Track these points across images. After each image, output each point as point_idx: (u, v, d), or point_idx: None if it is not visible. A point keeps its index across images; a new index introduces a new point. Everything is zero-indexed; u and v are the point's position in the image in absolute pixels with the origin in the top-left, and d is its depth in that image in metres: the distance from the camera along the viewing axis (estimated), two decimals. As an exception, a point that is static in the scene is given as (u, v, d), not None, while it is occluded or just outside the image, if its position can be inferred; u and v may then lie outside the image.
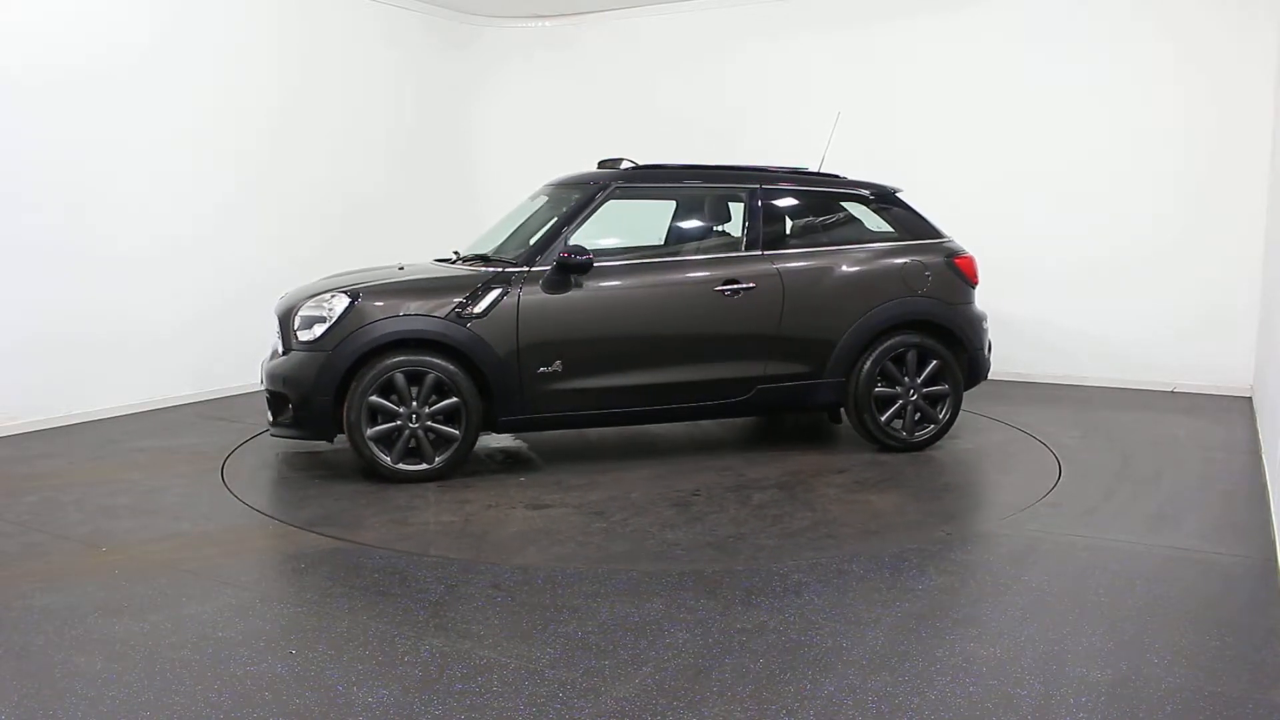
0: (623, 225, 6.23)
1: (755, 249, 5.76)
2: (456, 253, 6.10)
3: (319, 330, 5.24)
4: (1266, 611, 3.56)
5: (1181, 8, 7.67)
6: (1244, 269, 7.51)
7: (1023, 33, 8.21)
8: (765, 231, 5.80)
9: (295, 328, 5.34)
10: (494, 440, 6.37)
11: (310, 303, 5.36)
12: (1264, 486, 5.13)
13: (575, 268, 5.39)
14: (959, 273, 5.98)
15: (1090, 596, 3.71)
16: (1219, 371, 7.70)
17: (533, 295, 5.37)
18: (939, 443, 5.98)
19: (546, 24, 10.16)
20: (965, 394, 6.04)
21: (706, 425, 6.68)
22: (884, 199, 6.09)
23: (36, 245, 6.53)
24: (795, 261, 5.78)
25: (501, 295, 5.33)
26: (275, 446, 6.14)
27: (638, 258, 5.79)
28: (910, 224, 6.06)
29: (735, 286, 5.60)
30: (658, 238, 6.17)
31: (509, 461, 5.90)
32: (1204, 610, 3.59)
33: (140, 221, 7.16)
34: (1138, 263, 7.91)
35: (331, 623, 3.49)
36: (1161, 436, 6.33)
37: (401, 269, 5.84)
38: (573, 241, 5.50)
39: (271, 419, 5.43)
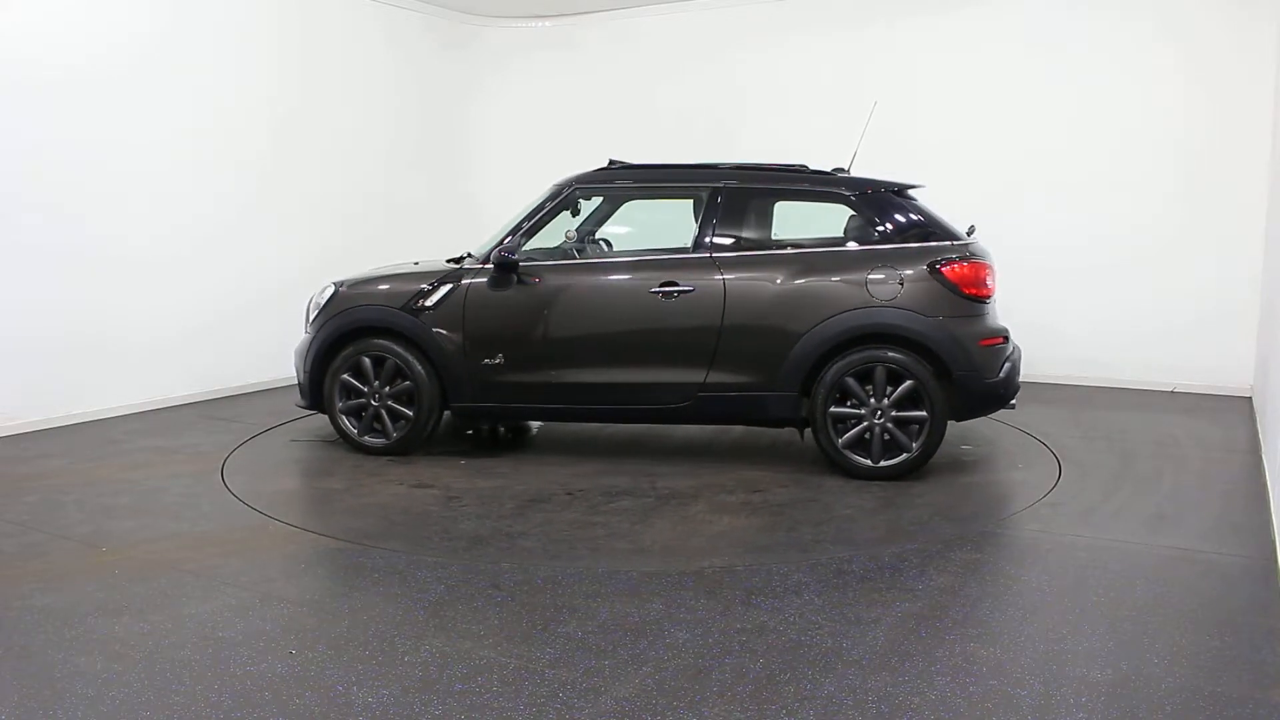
0: (620, 225, 6.30)
1: (703, 251, 5.52)
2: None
3: (316, 315, 5.96)
4: (1266, 611, 3.56)
5: (1181, 8, 7.67)
6: (1244, 269, 7.51)
7: (1021, 34, 8.20)
8: (719, 232, 5.57)
9: (310, 312, 6.05)
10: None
11: (320, 291, 6.07)
12: (1264, 486, 5.13)
13: (506, 267, 5.61)
14: (945, 282, 5.25)
15: (1090, 596, 3.71)
16: (1219, 371, 7.70)
17: (479, 291, 5.69)
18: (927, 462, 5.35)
19: (546, 24, 10.16)
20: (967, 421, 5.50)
21: (724, 429, 6.53)
22: (872, 198, 5.52)
23: (37, 245, 6.52)
24: (743, 264, 5.47)
25: (452, 290, 5.69)
26: (275, 446, 6.16)
27: (584, 258, 5.91)
28: (905, 226, 5.46)
29: (671, 289, 5.46)
30: (654, 238, 6.16)
31: (483, 444, 6.27)
32: (1204, 610, 3.59)
33: (141, 222, 7.16)
34: (1138, 262, 7.91)
35: (331, 623, 3.49)
36: (1161, 436, 6.33)
37: (416, 264, 6.24)
38: (529, 241, 5.77)
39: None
